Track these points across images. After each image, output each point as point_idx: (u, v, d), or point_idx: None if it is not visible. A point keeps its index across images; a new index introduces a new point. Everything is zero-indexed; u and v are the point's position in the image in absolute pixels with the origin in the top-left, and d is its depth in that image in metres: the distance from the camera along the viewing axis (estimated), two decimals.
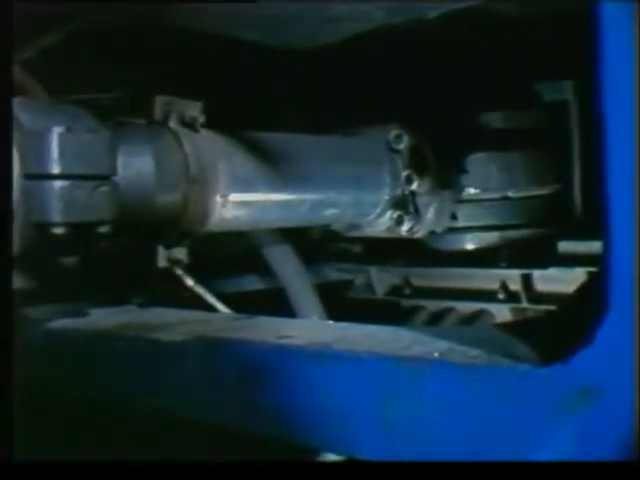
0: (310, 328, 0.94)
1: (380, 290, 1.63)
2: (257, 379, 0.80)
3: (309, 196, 1.21)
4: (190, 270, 1.23)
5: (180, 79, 1.22)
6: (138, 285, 1.34)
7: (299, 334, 0.87)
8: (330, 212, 1.25)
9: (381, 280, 1.63)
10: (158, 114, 1.08)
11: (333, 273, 1.71)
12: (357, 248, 1.71)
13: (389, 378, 0.70)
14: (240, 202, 1.10)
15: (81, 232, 0.89)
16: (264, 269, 1.57)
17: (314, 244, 1.67)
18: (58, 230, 0.87)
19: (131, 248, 1.14)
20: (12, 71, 0.57)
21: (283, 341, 0.82)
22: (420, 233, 1.34)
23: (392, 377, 0.69)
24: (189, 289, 1.25)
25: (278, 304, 1.47)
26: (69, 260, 0.97)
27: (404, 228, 1.31)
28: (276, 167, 1.16)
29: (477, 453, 0.65)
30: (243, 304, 1.34)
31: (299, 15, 1.19)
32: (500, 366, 0.63)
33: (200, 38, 1.22)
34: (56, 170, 0.86)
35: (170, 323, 1.01)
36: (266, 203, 1.15)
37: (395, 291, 1.62)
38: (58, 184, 0.86)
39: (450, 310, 1.52)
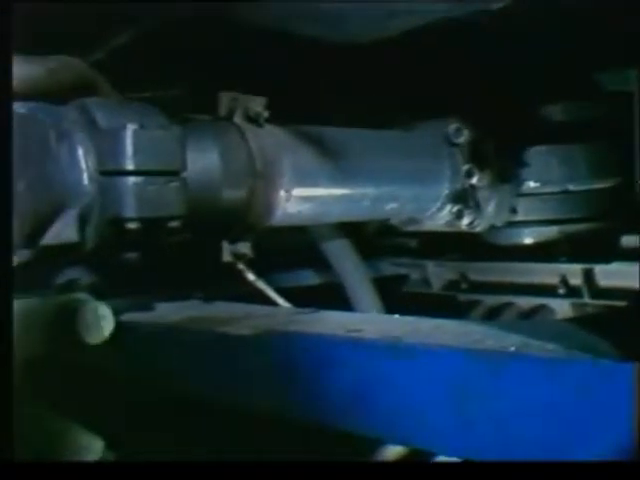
0: (377, 322, 0.94)
1: (436, 285, 1.63)
2: (329, 372, 0.81)
3: (370, 190, 1.21)
4: (251, 265, 1.25)
5: (242, 75, 1.23)
6: (201, 280, 1.37)
7: (368, 328, 0.87)
8: (390, 206, 1.25)
9: (437, 275, 1.62)
10: (223, 110, 1.09)
11: (388, 268, 1.71)
12: (412, 243, 1.70)
13: (465, 371, 0.69)
14: (303, 197, 1.11)
15: (153, 227, 0.91)
16: (319, 264, 1.58)
17: (369, 239, 1.67)
18: (132, 225, 0.89)
19: (194, 243, 1.16)
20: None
21: (354, 334, 0.82)
22: (480, 227, 1.33)
23: (468, 370, 0.69)
24: (250, 283, 1.27)
25: (333, 298, 1.48)
26: (140, 255, 0.99)
27: (464, 222, 1.31)
28: (338, 161, 1.16)
29: (556, 450, 0.64)
30: (299, 299, 1.35)
31: (359, 9, 1.19)
32: (582, 361, 0.63)
33: (262, 35, 1.23)
34: (130, 166, 0.88)
35: (236, 317, 1.02)
36: (328, 198, 1.15)
37: (452, 286, 1.61)
38: (132, 180, 0.88)
39: (508, 305, 1.50)
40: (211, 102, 1.10)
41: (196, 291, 1.37)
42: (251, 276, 1.25)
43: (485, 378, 0.68)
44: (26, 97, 0.91)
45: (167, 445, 0.85)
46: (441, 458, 0.93)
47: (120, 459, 0.65)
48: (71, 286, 0.84)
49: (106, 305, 0.70)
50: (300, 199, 1.10)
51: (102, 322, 0.69)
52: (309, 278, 1.66)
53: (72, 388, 0.77)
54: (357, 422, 0.79)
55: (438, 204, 1.32)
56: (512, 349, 0.70)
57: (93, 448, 0.73)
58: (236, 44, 1.29)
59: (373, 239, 1.69)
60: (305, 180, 1.11)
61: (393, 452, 1.02)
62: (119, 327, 0.70)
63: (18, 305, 0.69)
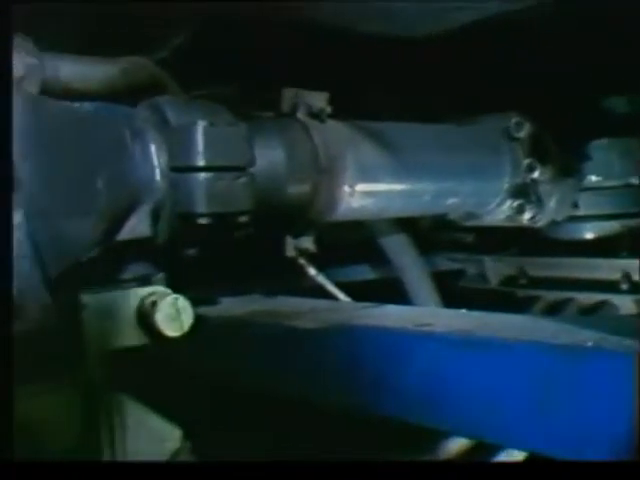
0: (445, 316, 0.94)
1: (494, 280, 1.62)
2: (400, 366, 0.81)
3: (431, 185, 1.21)
4: (312, 259, 1.26)
5: (304, 71, 1.24)
6: (259, 274, 1.38)
7: (437, 322, 0.87)
8: (451, 201, 1.25)
9: (495, 270, 1.61)
10: (285, 106, 1.10)
11: (443, 262, 1.70)
12: (469, 237, 1.69)
13: (543, 366, 0.69)
14: (366, 192, 1.11)
15: (222, 222, 0.93)
16: (376, 258, 1.58)
17: (424, 233, 1.67)
18: (202, 220, 0.91)
19: (256, 237, 1.18)
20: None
21: (425, 328, 0.82)
22: (542, 222, 1.31)
23: (546, 365, 0.69)
24: (311, 278, 1.28)
25: (387, 293, 1.48)
26: (207, 249, 1.00)
27: (525, 217, 1.30)
28: (399, 156, 1.16)
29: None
30: (355, 293, 1.36)
31: (417, 4, 1.19)
32: None
33: (323, 31, 1.24)
34: (201, 162, 0.89)
35: (301, 311, 1.03)
36: (390, 192, 1.16)
37: (510, 281, 1.60)
38: (203, 176, 0.89)
39: (569, 301, 1.48)
40: (273, 99, 1.11)
41: (255, 285, 1.40)
42: (312, 271, 1.26)
43: (565, 373, 0.67)
44: (100, 97, 0.93)
45: (237, 437, 0.87)
46: (507, 453, 0.93)
47: (197, 449, 0.66)
48: (147, 280, 0.86)
49: (185, 298, 0.71)
50: (363, 194, 1.11)
51: (182, 315, 0.70)
52: (363, 273, 1.66)
53: (151, 379, 0.79)
54: (428, 416, 0.80)
55: (498, 199, 1.31)
56: (589, 344, 0.70)
57: (172, 437, 0.75)
58: (294, 40, 1.30)
59: (428, 234, 1.69)
60: (368, 175, 1.11)
61: (458, 446, 1.03)
62: (197, 320, 0.71)
63: (96, 299, 0.71)
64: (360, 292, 1.37)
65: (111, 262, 0.88)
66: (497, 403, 0.72)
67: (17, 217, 0.69)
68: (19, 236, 0.68)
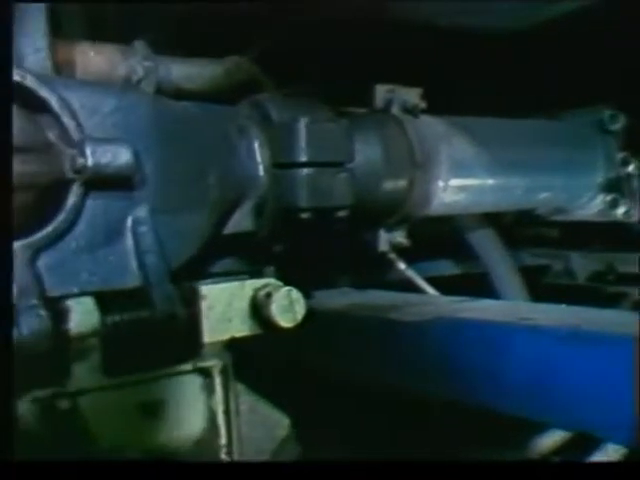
0: (546, 310, 0.94)
1: (581, 276, 1.59)
2: (504, 359, 0.81)
3: (523, 180, 1.20)
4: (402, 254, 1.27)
5: (392, 68, 1.24)
6: (349, 268, 1.40)
7: (539, 316, 0.87)
8: (543, 196, 1.24)
9: (582, 265, 1.59)
10: (379, 102, 1.11)
11: (528, 258, 1.69)
12: (553, 232, 1.67)
13: None
14: (459, 186, 1.12)
15: (322, 217, 0.95)
16: (459, 253, 1.58)
17: (507, 229, 1.65)
18: (304, 215, 0.93)
19: (350, 232, 1.19)
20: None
21: (530, 322, 0.82)
22: (636, 217, 1.29)
23: None
24: (401, 272, 1.29)
25: (471, 288, 1.47)
26: (306, 244, 1.02)
27: (619, 211, 1.27)
28: (491, 151, 1.16)
29: None
30: (440, 288, 1.36)
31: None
32: None
33: (408, 28, 1.24)
34: (303, 158, 0.91)
35: (397, 304, 1.04)
36: (483, 187, 1.16)
37: (598, 277, 1.57)
38: (305, 171, 0.91)
39: None
40: (366, 95, 1.13)
41: (335, 279, 1.41)
42: (402, 265, 1.27)
43: None
44: (205, 96, 0.96)
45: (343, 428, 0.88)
46: (603, 450, 0.92)
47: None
48: (259, 273, 0.89)
49: (297, 290, 0.74)
50: (456, 189, 1.11)
51: (295, 306, 0.72)
52: (447, 268, 1.66)
53: (263, 367, 0.82)
54: (533, 408, 0.80)
55: (591, 193, 1.29)
56: None
57: (282, 424, 0.78)
58: (381, 37, 1.31)
59: (512, 229, 1.67)
60: (461, 170, 1.12)
61: (557, 438, 1.02)
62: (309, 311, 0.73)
63: (214, 290, 0.73)
64: (444, 286, 1.38)
65: (219, 256, 0.91)
66: (601, 397, 0.72)
67: (142, 212, 0.72)
68: (143, 230, 0.72)
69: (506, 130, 1.22)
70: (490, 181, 1.16)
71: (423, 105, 1.11)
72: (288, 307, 0.73)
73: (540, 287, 1.66)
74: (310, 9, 1.19)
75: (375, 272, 1.45)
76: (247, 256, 0.98)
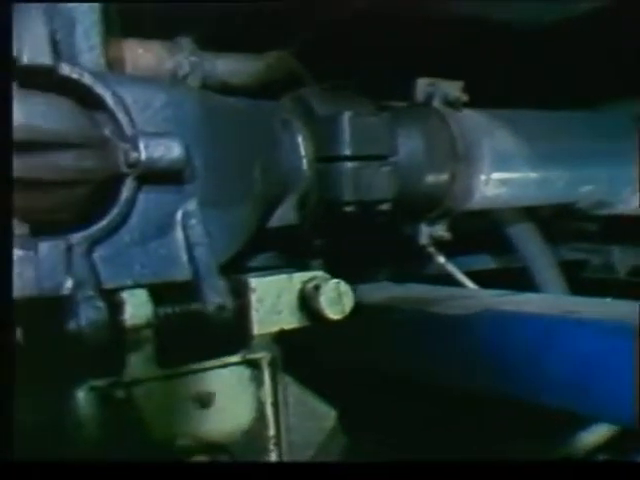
0: (589, 304, 0.93)
1: (621, 270, 1.57)
2: (550, 352, 0.81)
3: (564, 173, 1.19)
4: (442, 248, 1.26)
5: (433, 61, 1.24)
6: (388, 262, 1.41)
7: (584, 310, 0.87)
8: (584, 189, 1.23)
9: (622, 260, 1.57)
10: (420, 95, 1.11)
11: (567, 252, 1.67)
12: (593, 227, 1.65)
13: None
14: (502, 180, 1.11)
15: (365, 210, 0.95)
16: (497, 247, 1.57)
17: (546, 222, 1.64)
18: (348, 208, 0.93)
19: (391, 225, 1.19)
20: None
21: (575, 315, 0.82)
22: None
23: None
24: (440, 266, 1.29)
25: (509, 281, 1.46)
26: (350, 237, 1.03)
27: None
28: (533, 144, 1.15)
29: None
30: (479, 282, 1.36)
31: None
32: None
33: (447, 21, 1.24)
34: (347, 152, 0.92)
35: (439, 298, 1.04)
36: (525, 181, 1.15)
37: (638, 272, 1.55)
38: (349, 165, 0.92)
39: None
40: (409, 88, 1.13)
41: (381, 272, 1.41)
42: (441, 259, 1.27)
43: None
44: (248, 91, 0.98)
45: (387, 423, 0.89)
46: None
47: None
48: (307, 265, 0.90)
49: (345, 282, 0.74)
50: (498, 182, 1.11)
51: (344, 299, 0.73)
52: (484, 262, 1.65)
53: (311, 360, 0.83)
54: (579, 402, 0.80)
55: (631, 187, 1.27)
56: None
57: (329, 416, 0.78)
58: (421, 31, 1.30)
59: (550, 223, 1.66)
60: (503, 163, 1.11)
61: (603, 433, 1.01)
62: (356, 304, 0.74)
63: (263, 282, 0.74)
64: (483, 280, 1.37)
65: (264, 249, 0.92)
66: None
67: (191, 205, 0.73)
68: (193, 224, 0.73)
69: (547, 123, 1.21)
70: (532, 174, 1.16)
71: (465, 98, 1.11)
72: (337, 299, 0.74)
73: (580, 282, 1.65)
74: (349, 4, 1.20)
75: (414, 266, 1.45)
76: (291, 249, 0.99)
